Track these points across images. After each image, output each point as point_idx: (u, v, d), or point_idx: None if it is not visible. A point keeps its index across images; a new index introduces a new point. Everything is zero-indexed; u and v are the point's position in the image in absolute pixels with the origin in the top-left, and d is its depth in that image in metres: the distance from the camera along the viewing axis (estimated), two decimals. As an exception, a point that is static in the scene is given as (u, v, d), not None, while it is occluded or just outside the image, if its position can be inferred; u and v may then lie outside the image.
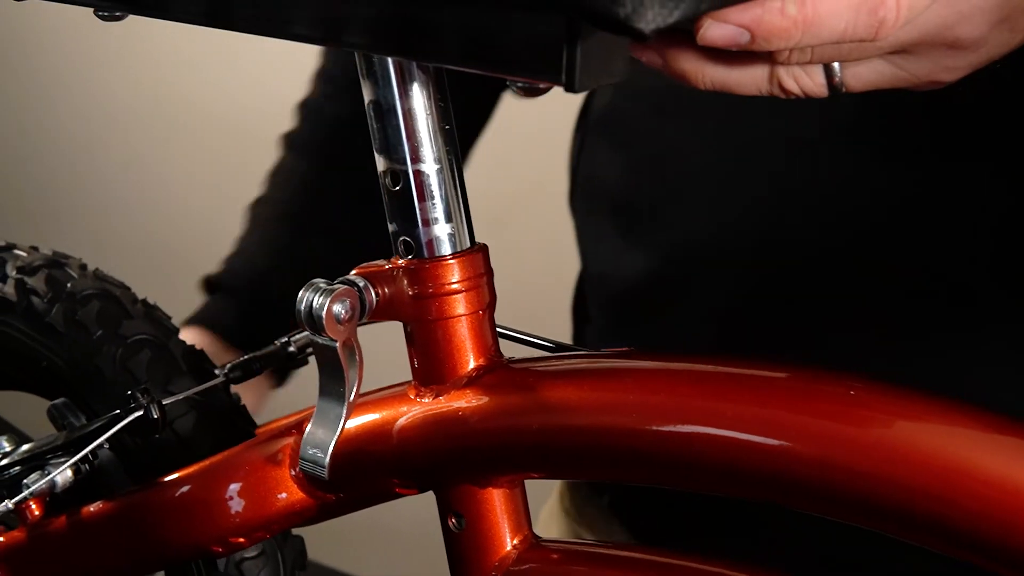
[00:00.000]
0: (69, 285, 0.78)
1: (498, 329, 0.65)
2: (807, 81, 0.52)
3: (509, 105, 1.10)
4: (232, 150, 2.33)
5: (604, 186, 0.95)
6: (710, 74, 0.51)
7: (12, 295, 0.79)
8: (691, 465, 0.54)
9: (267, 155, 2.23)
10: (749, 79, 0.52)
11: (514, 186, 2.04)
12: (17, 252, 0.82)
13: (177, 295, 1.02)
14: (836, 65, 0.52)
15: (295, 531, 0.80)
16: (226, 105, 2.34)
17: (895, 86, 0.54)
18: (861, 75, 0.53)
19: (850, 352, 0.80)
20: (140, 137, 2.54)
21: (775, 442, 0.52)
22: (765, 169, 0.84)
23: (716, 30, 0.47)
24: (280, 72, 2.23)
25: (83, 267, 0.82)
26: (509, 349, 0.64)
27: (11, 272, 0.80)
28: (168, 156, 2.51)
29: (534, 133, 1.81)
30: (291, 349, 0.77)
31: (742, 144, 0.85)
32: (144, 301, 0.80)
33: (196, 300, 1.08)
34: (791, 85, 0.52)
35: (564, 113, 1.07)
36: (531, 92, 0.48)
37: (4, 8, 2.60)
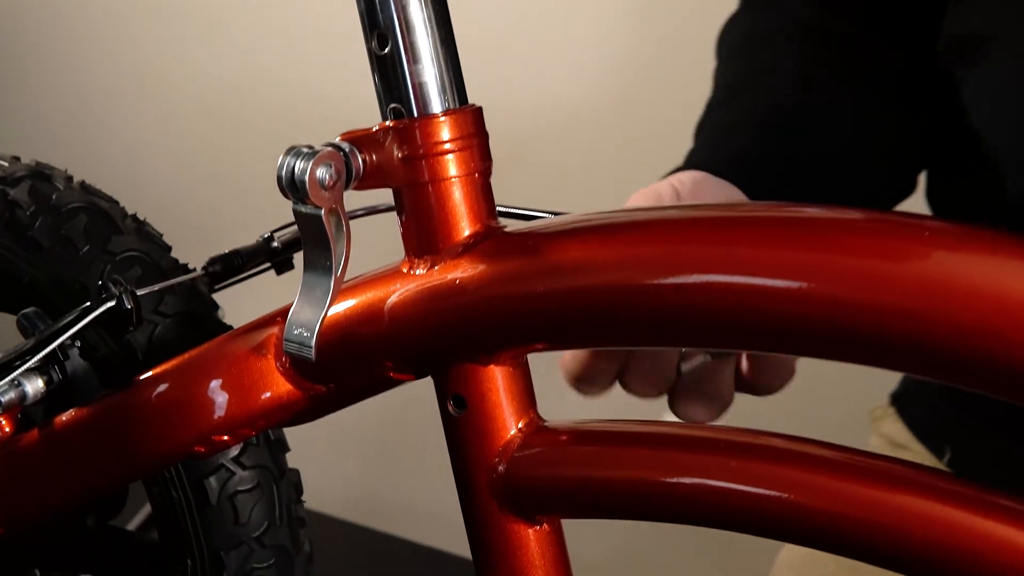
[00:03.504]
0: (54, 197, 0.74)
1: (497, 209, 0.60)
2: None
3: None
4: (218, 131, 2.28)
5: None
6: None
7: None
8: (720, 318, 0.49)
9: (254, 137, 2.18)
10: None
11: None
12: None
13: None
14: None
15: (291, 464, 0.75)
16: (211, 85, 2.28)
17: None
18: None
19: None
20: (122, 118, 2.48)
21: (810, 285, 0.47)
22: None
23: None
24: (267, 52, 2.18)
25: (69, 179, 0.77)
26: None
27: None
28: (153, 137, 2.45)
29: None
30: (275, 244, 0.73)
31: None
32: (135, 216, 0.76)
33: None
34: None
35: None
36: None
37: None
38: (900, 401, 1.03)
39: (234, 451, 0.69)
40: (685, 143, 0.86)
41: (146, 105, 2.34)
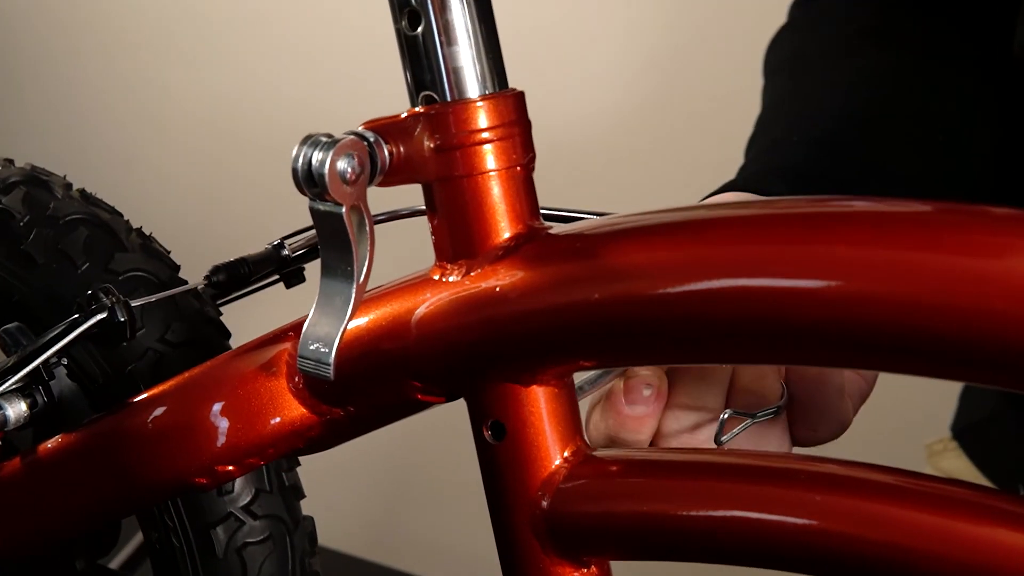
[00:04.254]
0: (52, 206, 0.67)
1: (541, 211, 0.54)
2: None
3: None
4: (233, 143, 2.22)
5: None
6: None
7: None
8: (813, 329, 0.42)
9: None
10: None
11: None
12: None
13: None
14: None
15: (305, 511, 0.68)
16: (223, 95, 2.22)
17: None
18: None
19: None
20: (127, 126, 2.42)
21: (921, 288, 0.40)
22: None
23: None
24: (275, 63, 2.12)
25: (68, 187, 0.70)
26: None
27: None
28: (161, 146, 2.39)
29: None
30: (285, 252, 0.66)
31: None
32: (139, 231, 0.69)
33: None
34: None
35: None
36: None
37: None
38: (966, 435, 0.96)
39: (245, 498, 0.62)
40: (710, 149, 0.80)
41: (152, 114, 2.27)
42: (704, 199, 0.70)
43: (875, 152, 0.76)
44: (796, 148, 0.77)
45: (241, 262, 0.65)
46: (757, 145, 0.81)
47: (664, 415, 0.57)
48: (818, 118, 0.79)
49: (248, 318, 0.76)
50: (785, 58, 0.86)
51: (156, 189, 2.26)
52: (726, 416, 0.55)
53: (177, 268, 0.68)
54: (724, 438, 0.56)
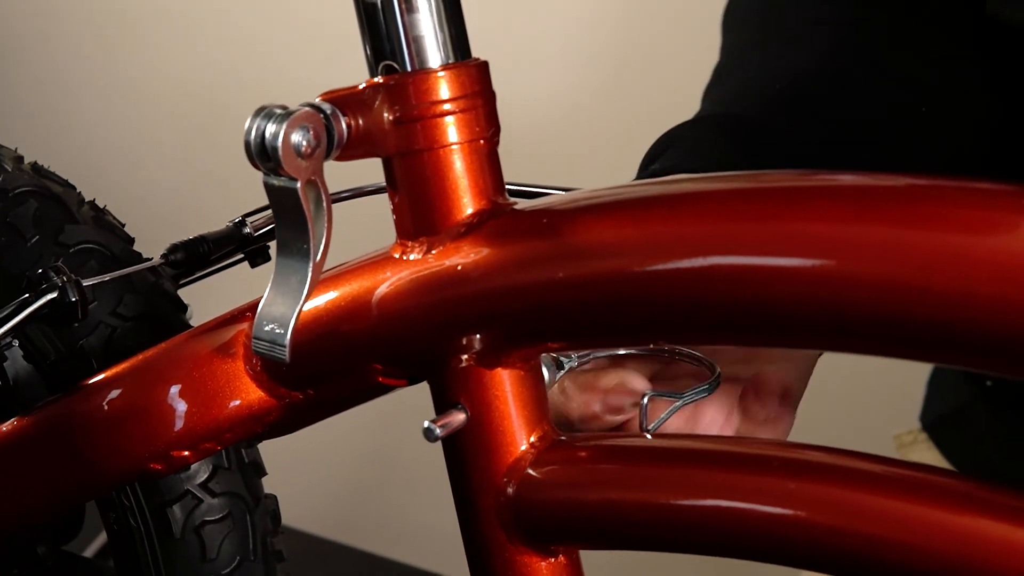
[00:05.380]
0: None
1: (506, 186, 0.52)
2: None
3: None
4: (190, 114, 2.19)
5: None
6: None
7: None
8: (787, 309, 0.40)
9: (230, 122, 2.08)
10: None
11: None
12: None
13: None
14: None
15: (269, 490, 0.66)
16: (163, 71, 2.19)
17: None
18: None
19: None
20: (79, 95, 2.39)
21: (901, 267, 0.38)
22: None
23: None
24: (221, 37, 2.09)
25: (19, 160, 0.68)
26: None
27: None
28: (115, 118, 2.35)
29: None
30: (247, 230, 0.64)
31: None
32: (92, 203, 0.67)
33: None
34: None
35: None
36: None
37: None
38: (936, 427, 0.93)
39: (202, 475, 0.60)
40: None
41: (108, 87, 2.24)
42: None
43: (839, 108, 0.73)
44: (750, 104, 0.73)
45: (200, 240, 0.62)
46: (710, 97, 0.77)
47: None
48: (779, 73, 0.75)
49: (213, 298, 0.74)
50: (753, 10, 0.83)
51: (114, 163, 2.23)
52: (647, 401, 0.52)
53: (131, 241, 0.66)
54: (651, 426, 0.52)
